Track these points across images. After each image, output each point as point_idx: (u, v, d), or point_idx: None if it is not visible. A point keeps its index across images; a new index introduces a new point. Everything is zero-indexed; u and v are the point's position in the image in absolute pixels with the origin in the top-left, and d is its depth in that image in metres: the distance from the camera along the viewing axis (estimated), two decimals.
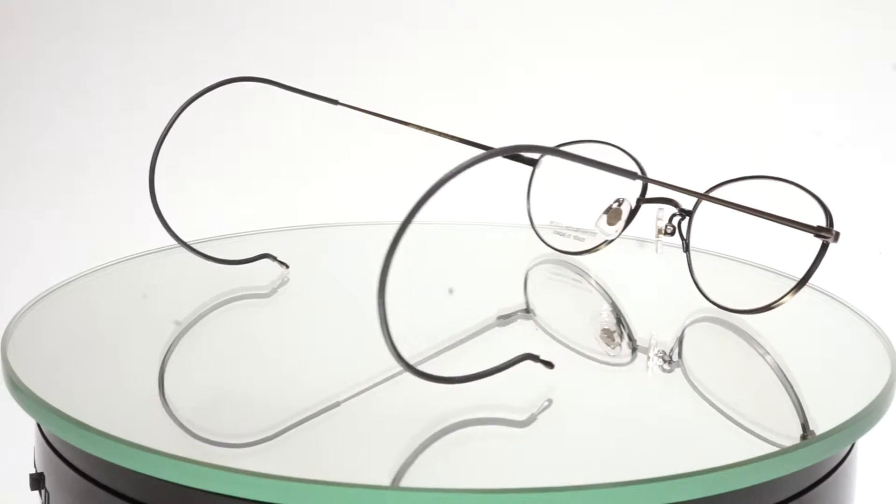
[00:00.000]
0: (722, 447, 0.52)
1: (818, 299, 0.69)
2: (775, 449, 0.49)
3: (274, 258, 0.74)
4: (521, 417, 0.53)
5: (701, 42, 1.23)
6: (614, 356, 0.61)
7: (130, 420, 0.53)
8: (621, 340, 0.63)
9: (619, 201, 0.69)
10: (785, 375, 0.60)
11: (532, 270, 0.75)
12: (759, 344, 0.63)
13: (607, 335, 0.64)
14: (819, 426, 0.51)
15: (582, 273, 0.72)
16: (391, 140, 1.10)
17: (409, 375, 0.49)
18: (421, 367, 0.49)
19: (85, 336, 0.64)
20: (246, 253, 0.72)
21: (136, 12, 1.31)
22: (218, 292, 0.70)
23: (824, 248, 0.61)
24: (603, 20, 1.25)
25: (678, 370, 0.59)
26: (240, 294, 0.70)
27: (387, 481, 0.46)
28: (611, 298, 0.70)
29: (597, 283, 0.72)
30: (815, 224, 0.61)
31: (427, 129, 0.73)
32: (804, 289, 0.70)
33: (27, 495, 0.59)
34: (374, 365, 0.56)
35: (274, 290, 0.71)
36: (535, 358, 0.55)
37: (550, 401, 0.54)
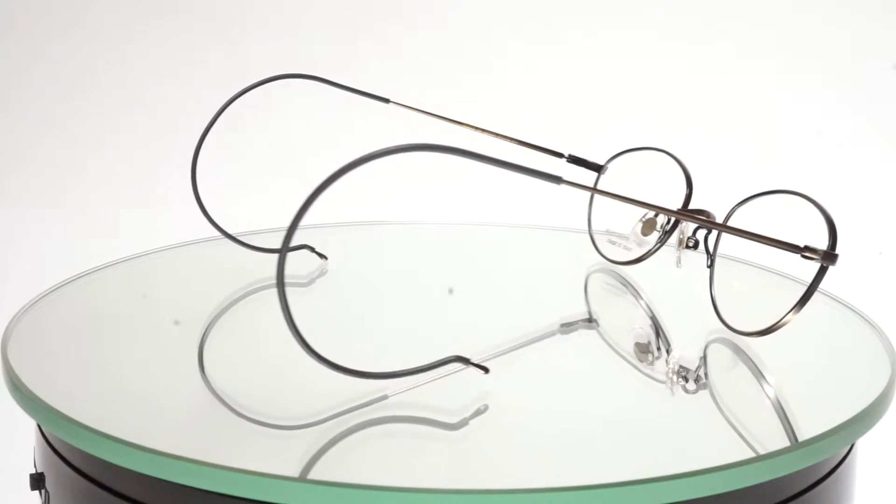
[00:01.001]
0: (722, 447, 0.52)
1: (818, 299, 0.69)
2: (775, 449, 0.49)
3: (312, 249, 0.74)
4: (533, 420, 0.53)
5: (701, 42, 1.23)
6: (650, 370, 0.61)
7: (130, 420, 0.53)
8: (654, 356, 0.63)
9: (655, 212, 0.68)
10: (785, 376, 0.60)
11: (589, 278, 0.74)
12: (758, 344, 0.63)
13: (641, 350, 0.63)
14: (819, 426, 0.51)
15: (628, 283, 0.72)
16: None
17: (455, 373, 0.49)
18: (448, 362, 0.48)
19: (85, 336, 0.64)
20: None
21: (136, 12, 1.31)
22: (251, 281, 0.72)
23: (822, 270, 0.60)
24: (603, 20, 1.25)
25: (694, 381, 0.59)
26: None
27: (388, 482, 0.46)
28: (651, 312, 0.70)
29: (643, 294, 0.71)
30: (821, 246, 0.60)
31: (480, 129, 0.72)
32: (803, 288, 0.70)
33: (27, 495, 0.59)
34: (416, 358, 0.56)
35: (312, 280, 0.72)
36: (465, 361, 0.54)
37: (486, 406, 0.54)
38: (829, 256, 0.59)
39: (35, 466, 0.57)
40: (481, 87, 1.25)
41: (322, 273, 0.74)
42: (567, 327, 0.65)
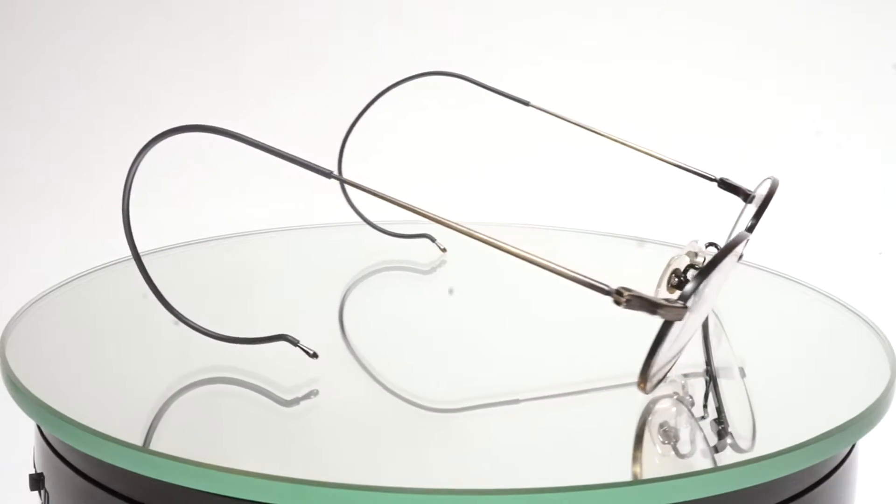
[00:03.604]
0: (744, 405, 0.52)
1: (818, 299, 0.69)
2: (775, 449, 0.49)
3: (433, 239, 0.75)
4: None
5: (702, 42, 1.23)
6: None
7: (130, 421, 0.53)
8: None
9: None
10: (785, 376, 0.60)
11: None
12: (758, 344, 0.63)
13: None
14: (819, 426, 0.51)
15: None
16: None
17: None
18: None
19: (85, 336, 0.64)
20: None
21: (136, 12, 1.30)
22: (252, 281, 0.73)
23: (666, 325, 0.48)
24: (603, 21, 1.25)
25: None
26: (399, 265, 0.72)
27: (391, 482, 0.46)
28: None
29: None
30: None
31: (620, 142, 0.70)
32: (803, 289, 0.70)
33: (27, 495, 0.59)
34: (551, 371, 0.57)
35: (433, 269, 0.74)
36: (293, 342, 0.56)
37: (316, 391, 0.55)
38: (627, 300, 0.47)
39: (34, 467, 0.57)
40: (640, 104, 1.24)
41: (440, 263, 0.75)
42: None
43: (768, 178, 0.61)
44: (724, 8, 1.23)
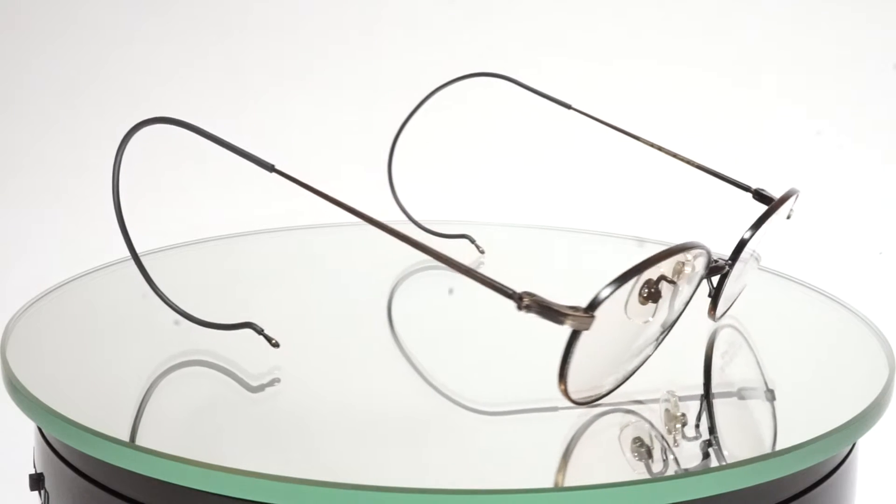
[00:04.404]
0: (722, 447, 0.51)
1: (818, 299, 0.69)
2: (775, 449, 0.49)
3: (472, 240, 0.75)
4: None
5: (700, 42, 1.23)
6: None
7: (129, 421, 0.53)
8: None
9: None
10: (784, 376, 0.60)
11: None
12: (758, 344, 0.63)
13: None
14: (819, 426, 0.51)
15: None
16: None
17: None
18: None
19: (85, 336, 0.64)
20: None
21: (136, 12, 1.30)
22: (252, 280, 0.73)
23: (574, 335, 0.47)
24: (603, 21, 1.25)
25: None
26: (438, 264, 0.73)
27: (392, 482, 0.46)
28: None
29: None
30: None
31: (660, 148, 0.70)
32: (803, 288, 0.70)
33: (27, 495, 0.59)
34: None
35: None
36: (258, 330, 0.58)
37: (279, 378, 0.56)
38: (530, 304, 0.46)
39: (34, 467, 0.57)
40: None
41: (479, 265, 0.75)
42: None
43: (794, 193, 0.61)
44: (723, 8, 1.23)
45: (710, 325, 0.61)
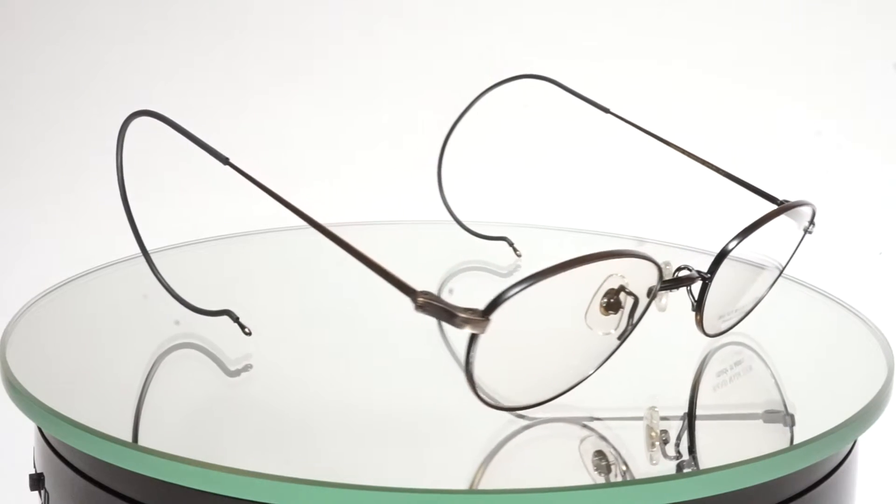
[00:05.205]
0: (722, 447, 0.52)
1: (818, 299, 0.69)
2: (775, 449, 0.49)
3: (511, 243, 0.76)
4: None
5: (700, 42, 1.23)
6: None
7: (129, 421, 0.53)
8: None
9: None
10: (784, 376, 0.60)
11: None
12: (757, 344, 0.63)
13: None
14: (819, 426, 0.51)
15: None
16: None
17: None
18: None
19: (85, 336, 0.64)
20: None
21: (137, 12, 1.30)
22: (252, 280, 0.74)
23: (473, 337, 0.45)
24: (603, 21, 1.25)
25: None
26: (479, 265, 0.74)
27: (392, 482, 0.46)
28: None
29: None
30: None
31: (695, 157, 0.69)
32: (804, 289, 0.70)
33: (27, 495, 0.59)
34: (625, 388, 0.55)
35: (510, 273, 0.73)
36: (234, 318, 0.59)
37: (251, 364, 0.58)
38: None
39: (34, 467, 0.57)
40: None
41: (516, 268, 0.75)
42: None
43: (800, 204, 0.59)
44: (723, 8, 1.23)
45: (720, 339, 0.60)
